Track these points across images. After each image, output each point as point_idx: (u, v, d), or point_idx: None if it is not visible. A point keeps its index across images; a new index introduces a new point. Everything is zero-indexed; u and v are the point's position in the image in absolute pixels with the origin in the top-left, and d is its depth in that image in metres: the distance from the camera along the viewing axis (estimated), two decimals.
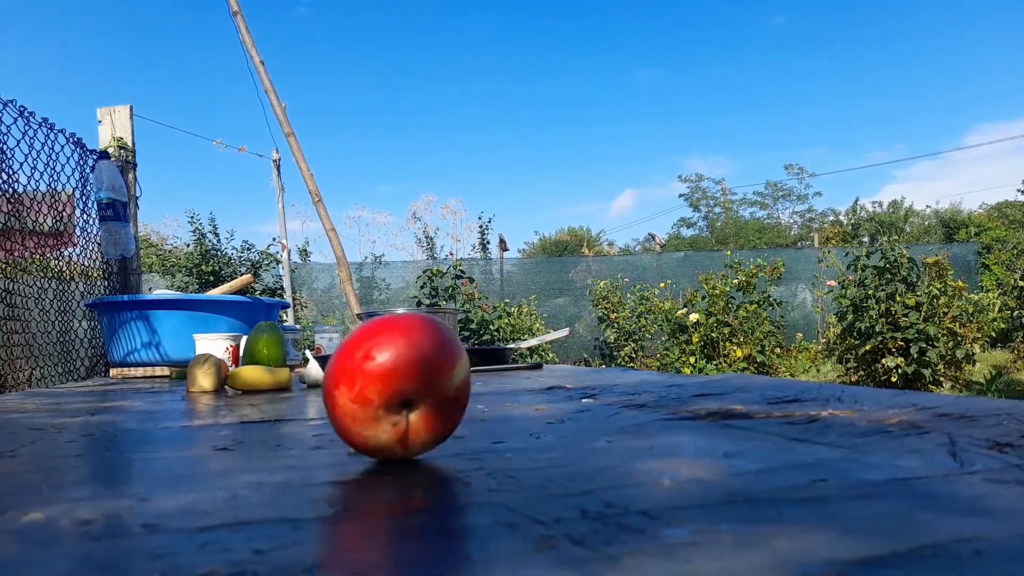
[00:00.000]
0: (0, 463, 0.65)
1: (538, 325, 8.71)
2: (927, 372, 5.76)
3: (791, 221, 29.92)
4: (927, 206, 27.50)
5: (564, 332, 2.37)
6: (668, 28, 42.24)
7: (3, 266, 2.30)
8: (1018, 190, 11.59)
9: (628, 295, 9.64)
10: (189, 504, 0.45)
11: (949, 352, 5.88)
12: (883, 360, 5.86)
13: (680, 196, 31.03)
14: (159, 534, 0.38)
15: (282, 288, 8.92)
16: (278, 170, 9.74)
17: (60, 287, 2.62)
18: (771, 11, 41.64)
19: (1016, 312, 6.59)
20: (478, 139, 43.67)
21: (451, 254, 9.37)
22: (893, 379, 5.81)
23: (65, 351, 2.60)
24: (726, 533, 0.35)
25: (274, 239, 9.37)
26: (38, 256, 2.54)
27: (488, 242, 12.12)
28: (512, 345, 2.15)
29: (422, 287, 7.51)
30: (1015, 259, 9.16)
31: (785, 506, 0.40)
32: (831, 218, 27.95)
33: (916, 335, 5.75)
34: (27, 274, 2.43)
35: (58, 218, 2.55)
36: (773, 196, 30.07)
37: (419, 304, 7.44)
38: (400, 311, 2.29)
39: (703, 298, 6.97)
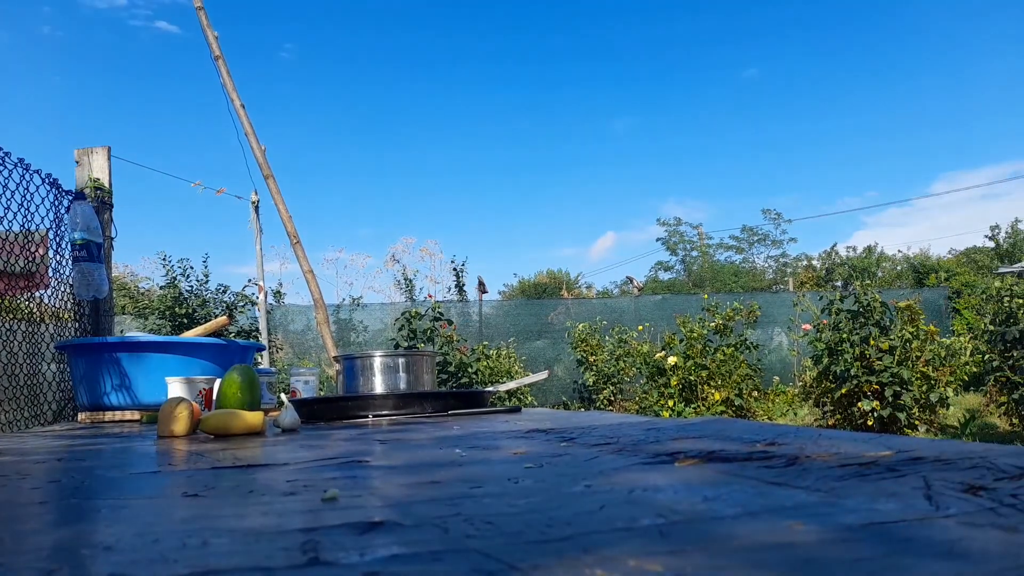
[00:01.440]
0: None
1: (517, 368, 8.68)
2: (902, 415, 5.81)
3: (766, 265, 30.39)
4: (898, 251, 28.09)
5: (543, 375, 2.37)
6: (643, 78, 43.37)
7: None
8: (985, 236, 11.90)
9: (607, 338, 9.67)
10: (157, 552, 0.44)
11: (923, 396, 5.95)
12: (859, 403, 5.91)
13: (657, 240, 31.45)
14: None
15: (257, 330, 8.82)
16: (256, 212, 9.73)
17: (30, 329, 2.57)
18: (743, 63, 42.97)
19: (987, 356, 6.69)
20: (458, 182, 44.11)
21: (429, 296, 9.38)
22: (869, 422, 5.85)
23: (32, 395, 2.53)
24: None
25: (250, 280, 9.31)
26: (8, 297, 2.49)
27: (464, 284, 12.19)
28: (491, 388, 2.14)
29: (400, 329, 7.47)
30: (984, 304, 9.35)
31: (764, 551, 0.39)
32: (804, 262, 28.44)
33: (890, 378, 5.82)
34: None
35: (30, 259, 2.51)
36: (748, 240, 30.59)
37: (397, 346, 7.40)
38: (377, 354, 2.28)
39: (680, 341, 7.01)
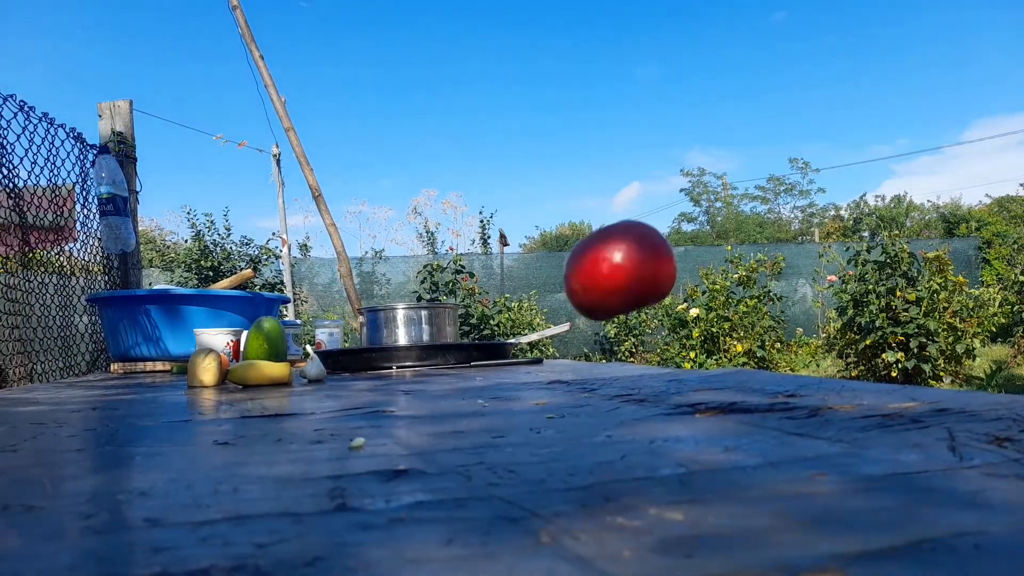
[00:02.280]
0: (1, 457, 0.66)
1: (538, 320, 8.71)
2: (927, 367, 5.76)
3: (792, 216, 29.85)
4: (928, 200, 27.47)
5: (564, 327, 2.37)
6: (667, 24, 42.18)
7: (4, 261, 2.30)
8: (1020, 184, 11.58)
9: None
10: (190, 498, 0.45)
11: (949, 347, 5.88)
12: (883, 355, 5.86)
13: (681, 191, 31.01)
14: (160, 528, 0.38)
15: (282, 283, 8.91)
16: (278, 165, 9.73)
17: (61, 282, 2.62)
18: (771, 6, 41.52)
19: (1016, 307, 6.59)
20: (480, 133, 43.66)
21: (451, 249, 9.37)
22: (893, 374, 5.81)
23: (66, 346, 2.60)
24: (727, 528, 0.35)
25: (274, 234, 9.36)
26: (39, 251, 2.54)
27: (489, 237, 12.19)
28: (512, 340, 2.15)
29: (422, 282, 7.51)
30: (1016, 254, 9.16)
31: (785, 501, 0.40)
32: (832, 213, 27.90)
33: (916, 330, 5.75)
34: (28, 269, 2.43)
35: (59, 213, 2.55)
36: (774, 191, 30.00)
37: (419, 299, 7.44)
38: (400, 306, 2.29)
39: (703, 293, 6.97)
